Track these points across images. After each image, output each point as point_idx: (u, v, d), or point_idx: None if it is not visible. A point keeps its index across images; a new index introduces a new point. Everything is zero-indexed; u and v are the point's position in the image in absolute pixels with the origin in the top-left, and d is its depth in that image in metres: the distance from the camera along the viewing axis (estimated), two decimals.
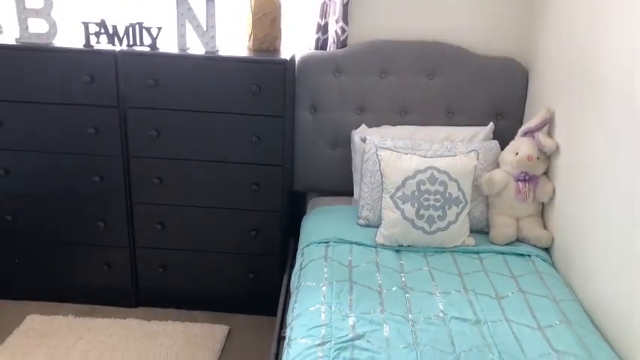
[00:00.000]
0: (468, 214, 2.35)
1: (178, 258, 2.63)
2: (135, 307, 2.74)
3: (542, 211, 2.45)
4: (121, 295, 2.71)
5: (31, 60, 2.36)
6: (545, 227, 2.41)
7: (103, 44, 2.40)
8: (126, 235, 2.61)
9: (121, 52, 2.36)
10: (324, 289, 1.99)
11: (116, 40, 2.39)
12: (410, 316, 1.86)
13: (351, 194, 2.68)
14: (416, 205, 2.28)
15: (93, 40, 2.39)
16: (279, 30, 2.52)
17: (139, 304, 2.74)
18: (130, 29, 2.38)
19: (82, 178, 2.51)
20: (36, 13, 2.36)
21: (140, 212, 2.57)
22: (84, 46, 2.37)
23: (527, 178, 2.36)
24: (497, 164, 2.48)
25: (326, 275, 2.07)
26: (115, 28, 2.38)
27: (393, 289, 2.02)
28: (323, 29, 2.65)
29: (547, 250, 2.37)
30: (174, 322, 2.60)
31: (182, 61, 2.37)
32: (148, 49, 2.38)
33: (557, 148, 2.32)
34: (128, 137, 2.46)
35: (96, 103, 2.41)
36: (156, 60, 2.36)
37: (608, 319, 1.88)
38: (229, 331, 2.59)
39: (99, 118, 2.43)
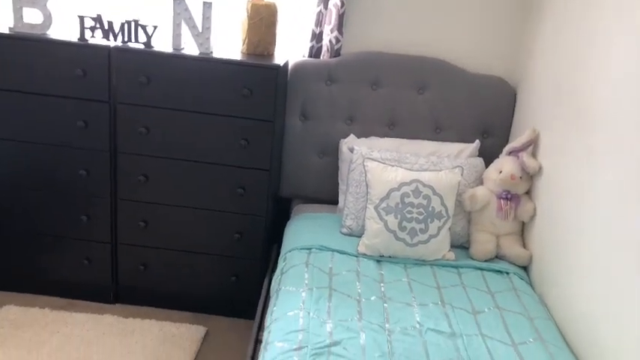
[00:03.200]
0: (450, 228, 2.38)
1: (160, 257, 2.63)
2: (113, 303, 2.73)
3: (523, 230, 2.49)
4: (100, 291, 2.70)
5: (23, 50, 2.35)
6: (524, 246, 2.45)
7: (97, 39, 2.41)
8: (108, 231, 2.60)
9: (115, 48, 2.36)
10: (303, 294, 2.00)
11: (111, 35, 2.39)
12: (387, 325, 1.88)
13: (336, 203, 2.70)
14: (399, 217, 2.31)
15: (88, 34, 2.39)
16: (274, 35, 2.54)
17: (118, 301, 2.74)
18: (126, 26, 2.38)
19: (68, 171, 2.51)
20: (32, 3, 2.35)
21: (124, 209, 2.57)
22: (78, 39, 2.37)
23: (509, 196, 2.40)
24: (481, 181, 2.52)
25: (306, 281, 2.08)
26: (110, 23, 2.38)
27: (372, 298, 2.04)
28: (317, 37, 2.68)
29: (525, 268, 2.41)
30: (151, 321, 2.59)
31: (175, 60, 2.38)
32: (142, 46, 2.39)
33: (540, 169, 2.36)
34: (117, 133, 2.46)
35: (86, 97, 2.40)
36: (149, 58, 2.37)
37: (581, 338, 1.92)
38: (207, 333, 2.58)
39: (89, 112, 2.42)
